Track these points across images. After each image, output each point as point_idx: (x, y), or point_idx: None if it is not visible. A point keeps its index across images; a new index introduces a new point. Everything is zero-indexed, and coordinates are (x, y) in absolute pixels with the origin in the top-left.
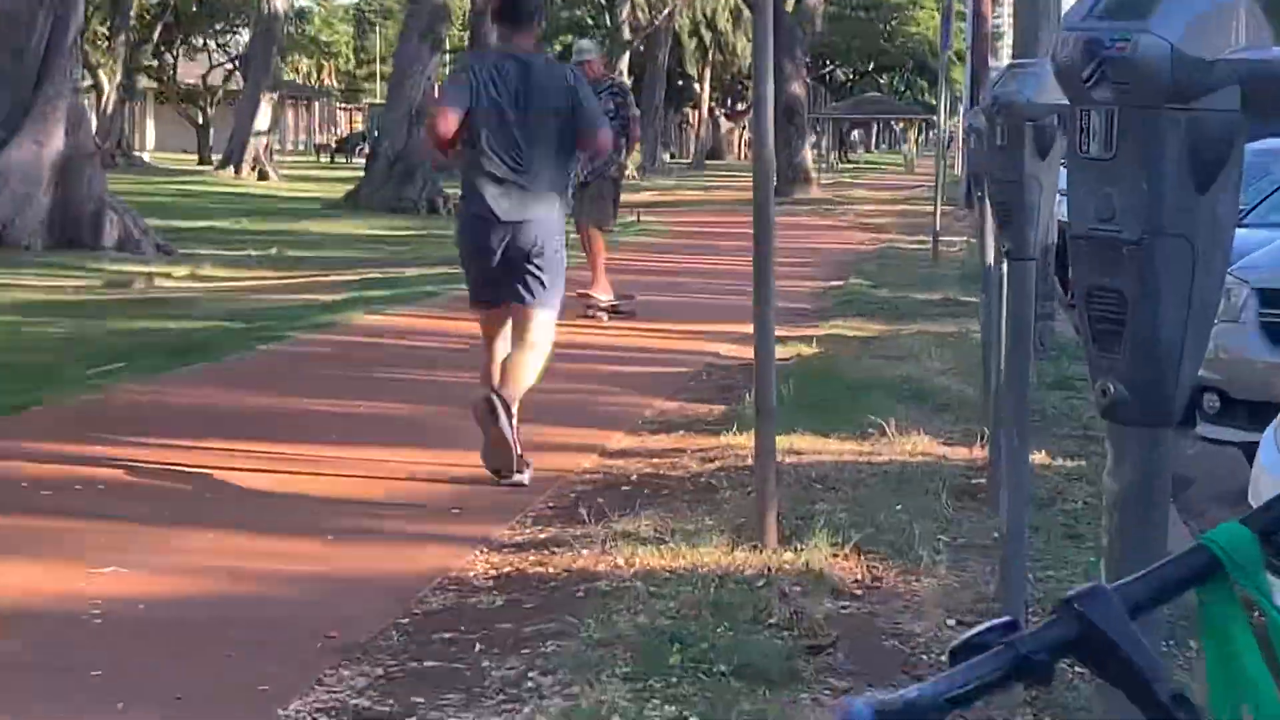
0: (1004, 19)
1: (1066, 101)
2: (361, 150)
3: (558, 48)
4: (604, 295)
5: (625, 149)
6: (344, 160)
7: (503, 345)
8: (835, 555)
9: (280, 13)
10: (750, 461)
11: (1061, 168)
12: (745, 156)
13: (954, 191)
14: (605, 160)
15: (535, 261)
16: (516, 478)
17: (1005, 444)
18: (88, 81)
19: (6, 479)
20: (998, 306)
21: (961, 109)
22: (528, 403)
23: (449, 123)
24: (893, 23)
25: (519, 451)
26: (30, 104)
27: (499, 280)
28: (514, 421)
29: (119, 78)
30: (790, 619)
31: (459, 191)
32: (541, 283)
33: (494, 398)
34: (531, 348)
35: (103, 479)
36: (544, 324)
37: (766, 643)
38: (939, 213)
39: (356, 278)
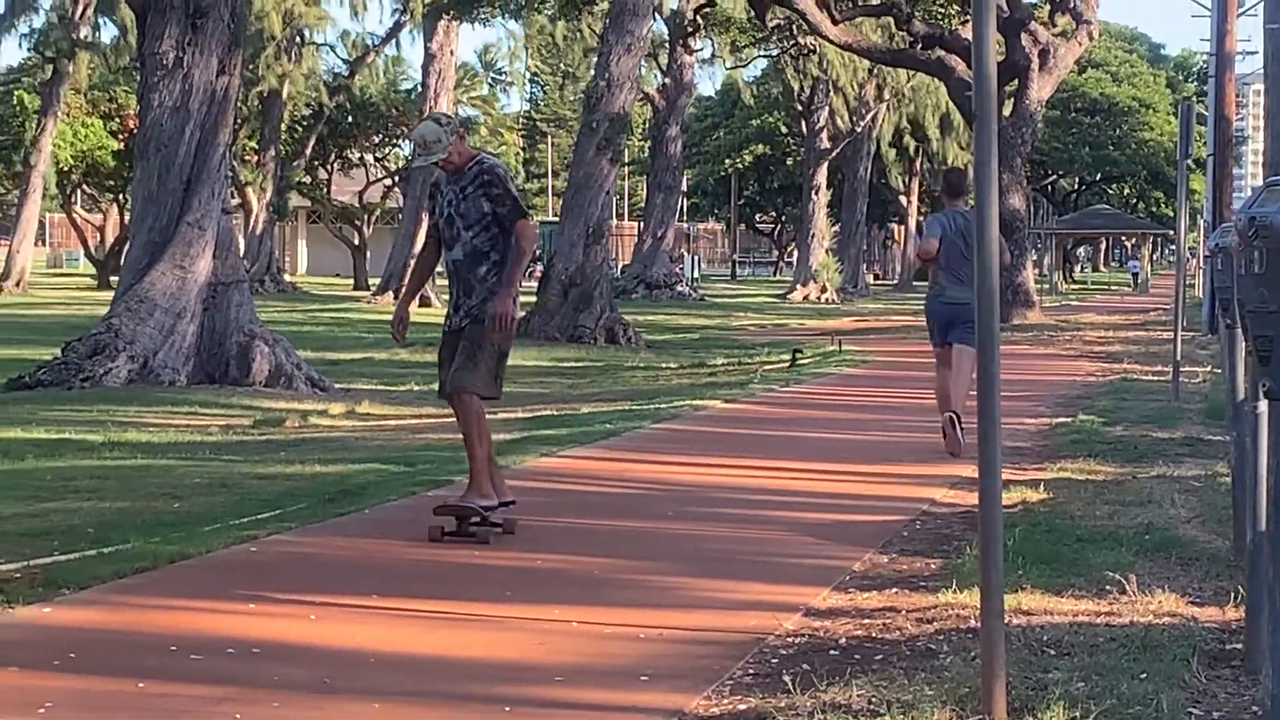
0: (1247, 122)
1: None
2: (532, 273)
3: (747, 158)
4: (488, 500)
5: (509, 266)
6: None
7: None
8: None
9: None
10: (974, 623)
11: None
12: None
13: (1195, 315)
14: (485, 291)
15: (967, 323)
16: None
17: (1265, 604)
18: (235, 200)
19: (152, 640)
20: (1251, 447)
21: (1202, 223)
22: (721, 556)
23: (928, 251)
24: (1123, 128)
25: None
26: (175, 226)
27: (948, 332)
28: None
29: (269, 196)
30: None
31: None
32: (970, 333)
33: (953, 416)
34: (962, 372)
35: (255, 641)
36: (971, 356)
37: None
38: (1179, 340)
39: (528, 415)
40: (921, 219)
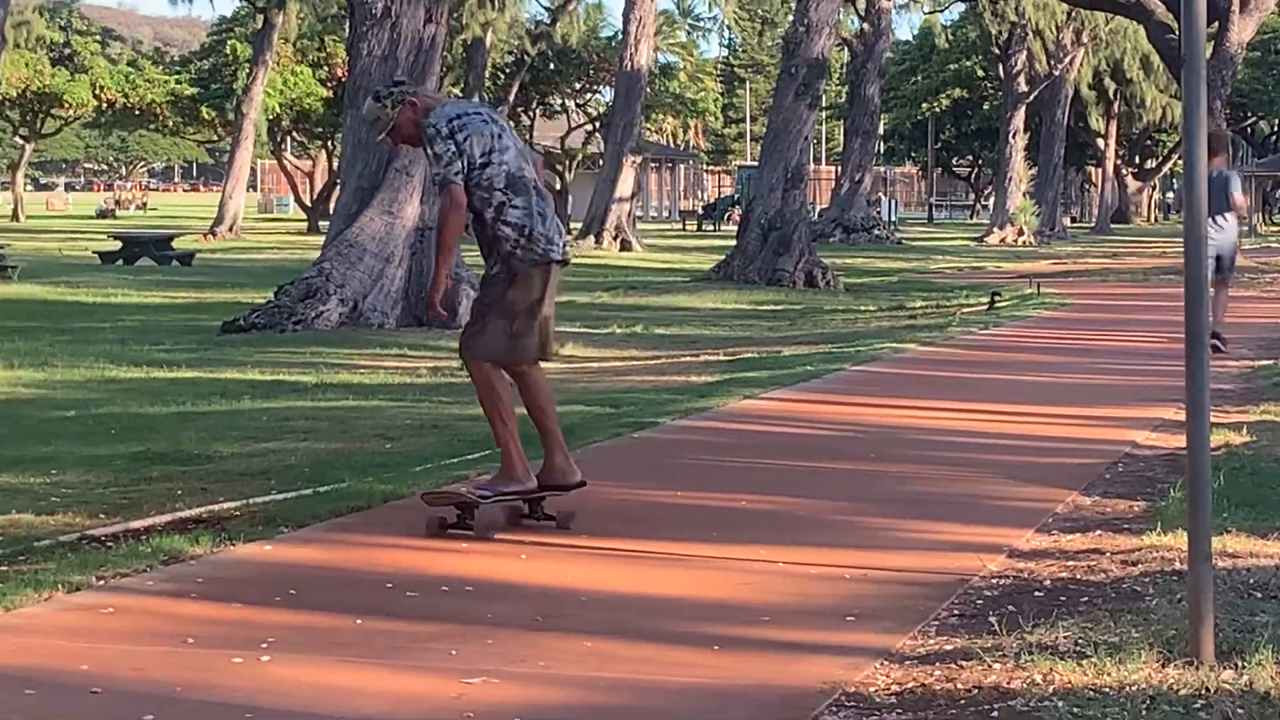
0: None
1: None
2: (730, 217)
3: (945, 102)
4: (521, 485)
5: (443, 217)
6: (711, 228)
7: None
8: None
9: (644, 69)
10: (1179, 565)
11: None
12: (1156, 219)
13: None
14: (494, 256)
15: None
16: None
17: None
18: None
19: (372, 578)
20: None
21: None
22: (923, 498)
23: None
24: None
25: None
26: (384, 173)
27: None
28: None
29: None
30: None
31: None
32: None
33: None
34: (1219, 298)
35: (468, 579)
36: (1222, 286)
37: None
38: None
39: (729, 358)
40: (1119, 161)
